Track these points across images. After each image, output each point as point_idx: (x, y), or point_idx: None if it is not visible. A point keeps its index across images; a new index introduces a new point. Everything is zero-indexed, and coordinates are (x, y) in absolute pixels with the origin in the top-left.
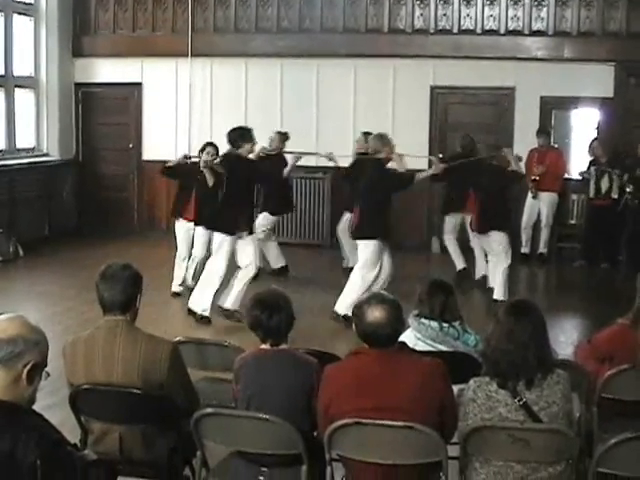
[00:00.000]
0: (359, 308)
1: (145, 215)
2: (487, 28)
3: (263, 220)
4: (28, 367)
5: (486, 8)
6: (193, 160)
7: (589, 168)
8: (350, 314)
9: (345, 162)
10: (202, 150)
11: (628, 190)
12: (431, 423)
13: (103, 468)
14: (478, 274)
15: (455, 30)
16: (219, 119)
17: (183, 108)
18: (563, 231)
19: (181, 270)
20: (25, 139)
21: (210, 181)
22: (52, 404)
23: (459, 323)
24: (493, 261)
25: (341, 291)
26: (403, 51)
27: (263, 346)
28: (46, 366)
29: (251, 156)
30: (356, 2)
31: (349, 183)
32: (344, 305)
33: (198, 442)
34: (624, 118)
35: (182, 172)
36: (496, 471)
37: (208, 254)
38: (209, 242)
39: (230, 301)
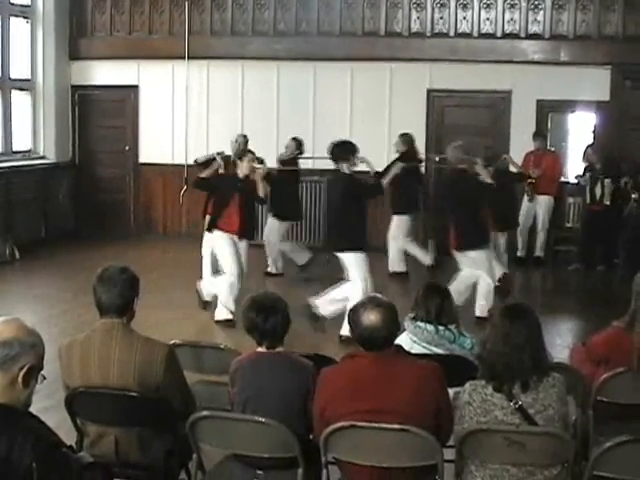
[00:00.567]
0: (355, 312)
1: (141, 218)
2: (484, 31)
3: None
4: (24, 370)
5: (482, 11)
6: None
7: (584, 174)
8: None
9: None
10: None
11: (634, 197)
12: (427, 426)
13: (99, 471)
14: None
15: (452, 33)
16: (215, 122)
17: (180, 111)
18: (559, 234)
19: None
20: (21, 141)
21: (262, 191)
22: (48, 407)
23: (455, 326)
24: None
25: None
26: (400, 54)
27: (259, 349)
28: (42, 369)
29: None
30: (353, 5)
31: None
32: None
33: (194, 445)
34: (620, 121)
35: (218, 183)
36: (492, 474)
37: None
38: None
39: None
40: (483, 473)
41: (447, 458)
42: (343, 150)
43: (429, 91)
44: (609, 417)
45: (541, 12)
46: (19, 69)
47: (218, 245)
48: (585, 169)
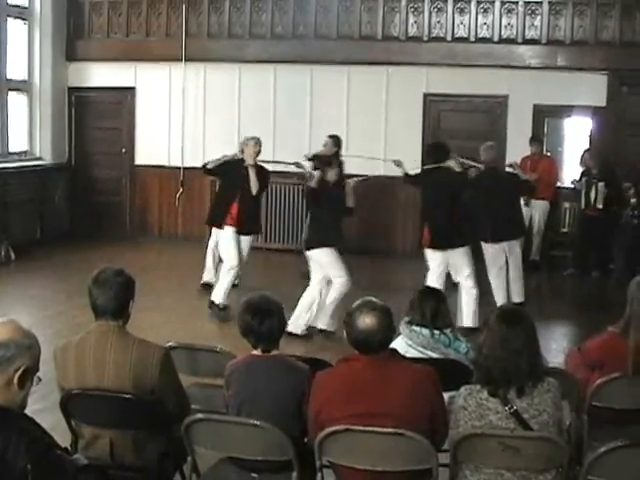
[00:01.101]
0: (350, 315)
1: (137, 220)
2: (480, 36)
3: None
4: (20, 372)
5: (480, 16)
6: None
7: (581, 179)
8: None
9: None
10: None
11: (633, 202)
12: (422, 430)
13: (94, 473)
14: None
15: (449, 38)
16: (212, 124)
17: (176, 113)
18: (555, 239)
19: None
20: (18, 143)
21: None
22: (43, 408)
23: (450, 330)
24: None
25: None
26: (397, 58)
27: (254, 352)
28: (38, 371)
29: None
30: (350, 9)
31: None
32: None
33: (189, 448)
34: (617, 127)
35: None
36: (486, 479)
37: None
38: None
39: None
40: (478, 477)
41: (442, 462)
42: (444, 149)
43: (426, 95)
44: (603, 422)
45: (538, 17)
46: (16, 70)
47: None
48: (582, 174)
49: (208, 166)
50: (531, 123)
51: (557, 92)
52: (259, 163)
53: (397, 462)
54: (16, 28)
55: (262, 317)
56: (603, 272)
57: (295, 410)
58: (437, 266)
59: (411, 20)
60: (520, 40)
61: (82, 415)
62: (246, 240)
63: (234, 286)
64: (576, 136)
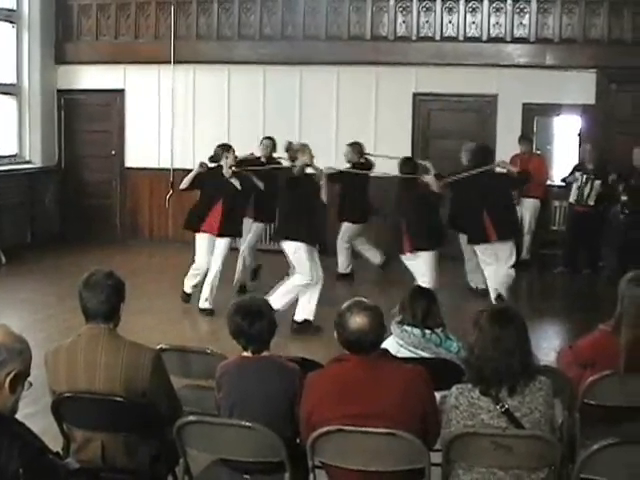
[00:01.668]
0: (341, 316)
1: (128, 222)
2: (469, 35)
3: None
4: (11, 376)
5: (468, 15)
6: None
7: (573, 172)
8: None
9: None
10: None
11: (623, 199)
12: (414, 430)
13: (85, 476)
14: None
15: (437, 37)
16: (202, 126)
17: (166, 115)
18: (545, 237)
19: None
20: (7, 146)
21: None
22: (34, 412)
23: (441, 330)
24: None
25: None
26: (385, 58)
27: (245, 353)
28: (29, 375)
29: None
30: (338, 9)
31: None
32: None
33: (181, 450)
34: (606, 124)
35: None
36: (479, 478)
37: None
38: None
39: None
40: (470, 477)
41: (434, 462)
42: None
43: (415, 95)
44: (596, 420)
45: (527, 16)
46: (4, 73)
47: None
48: (575, 168)
49: (181, 187)
50: (520, 122)
51: (546, 90)
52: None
53: (389, 462)
54: (4, 31)
55: (252, 319)
56: (593, 270)
57: (287, 411)
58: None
59: (400, 20)
60: (509, 39)
61: (73, 418)
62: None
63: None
64: (565, 134)
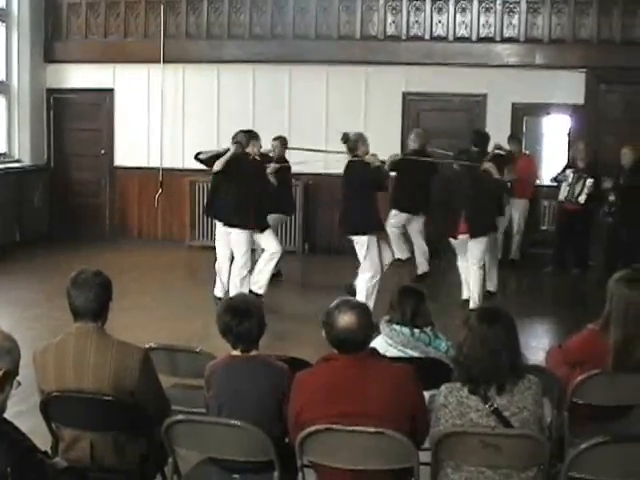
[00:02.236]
0: (329, 315)
1: (117, 221)
2: (459, 35)
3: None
4: None
5: (458, 15)
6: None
7: (564, 171)
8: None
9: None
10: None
11: (611, 199)
12: (402, 429)
13: (74, 476)
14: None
15: (427, 37)
16: (191, 125)
17: (155, 114)
18: (534, 237)
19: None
20: None
21: None
22: (23, 411)
23: (430, 329)
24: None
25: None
26: (375, 58)
27: (234, 352)
28: (17, 374)
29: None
30: (328, 9)
31: None
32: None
33: (169, 449)
34: (595, 124)
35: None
36: (468, 477)
37: None
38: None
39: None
40: (459, 476)
41: (423, 461)
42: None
43: (405, 94)
44: (584, 419)
45: (516, 16)
46: None
47: None
48: (566, 166)
49: (215, 169)
50: (510, 121)
51: (535, 90)
52: None
53: (378, 461)
54: None
55: (241, 318)
56: (582, 269)
57: (275, 410)
58: None
59: (389, 19)
60: (498, 39)
61: (62, 417)
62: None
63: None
64: (555, 134)
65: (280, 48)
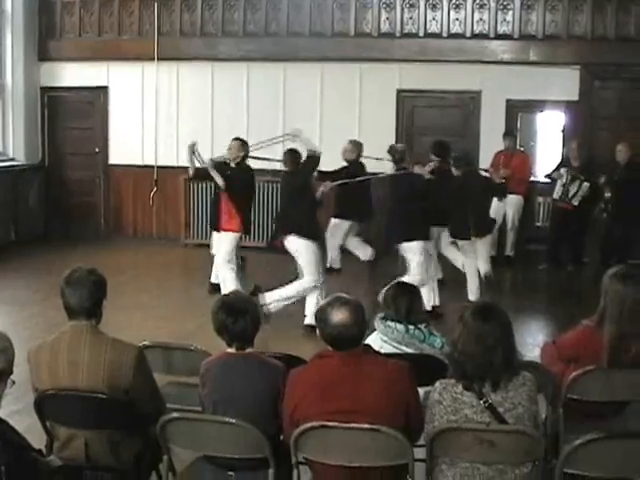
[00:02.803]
0: (322, 312)
1: (112, 219)
2: (453, 32)
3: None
4: None
5: (452, 12)
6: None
7: (558, 169)
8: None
9: None
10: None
11: (607, 196)
12: (397, 425)
13: (69, 474)
14: None
15: (421, 34)
16: (186, 122)
17: (149, 112)
18: (529, 234)
19: None
20: None
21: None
22: (17, 410)
23: (425, 325)
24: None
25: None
26: (369, 55)
27: (229, 350)
28: (12, 373)
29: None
30: (322, 6)
31: None
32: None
33: (164, 447)
34: (589, 121)
35: None
36: (463, 473)
37: None
38: None
39: None
40: (454, 472)
41: (418, 457)
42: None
43: (399, 91)
44: (579, 415)
45: (510, 12)
46: None
47: None
48: (559, 164)
49: None
50: (504, 118)
51: (530, 87)
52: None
53: (373, 458)
54: None
55: (236, 316)
56: (577, 266)
57: (270, 407)
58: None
59: (383, 16)
60: (492, 35)
61: (57, 416)
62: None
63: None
64: (549, 130)
65: (274, 46)
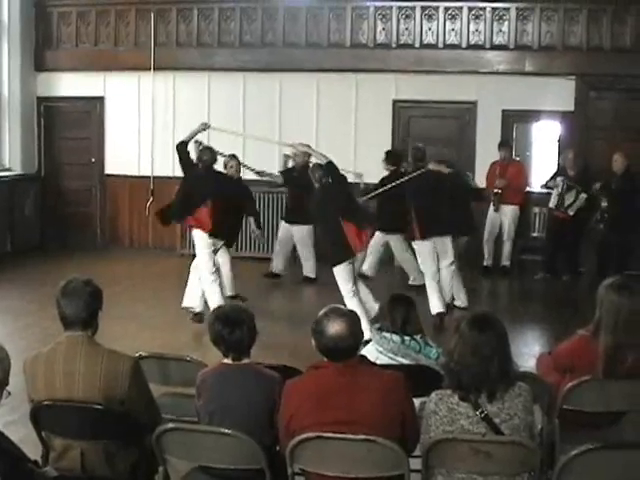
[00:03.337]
0: (318, 323)
1: (108, 230)
2: (449, 42)
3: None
4: None
5: (448, 22)
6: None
7: (554, 178)
8: None
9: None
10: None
11: (604, 205)
12: (393, 436)
13: None
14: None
15: (417, 44)
16: (182, 133)
17: (146, 122)
18: (525, 244)
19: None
20: None
21: None
22: (13, 421)
23: (420, 336)
24: None
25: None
26: (365, 65)
27: (225, 361)
28: (7, 384)
29: None
30: (318, 16)
31: None
32: None
33: (160, 457)
34: (585, 131)
35: None
36: None
37: None
38: None
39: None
40: None
41: (413, 468)
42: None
43: (395, 102)
44: (575, 425)
45: (506, 23)
46: None
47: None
48: (555, 174)
49: None
50: (500, 128)
51: (525, 97)
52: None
53: (368, 469)
54: None
55: (232, 326)
56: (573, 276)
57: (266, 418)
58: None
59: (379, 27)
60: (488, 46)
61: (52, 426)
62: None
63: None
64: (545, 141)
65: (270, 56)
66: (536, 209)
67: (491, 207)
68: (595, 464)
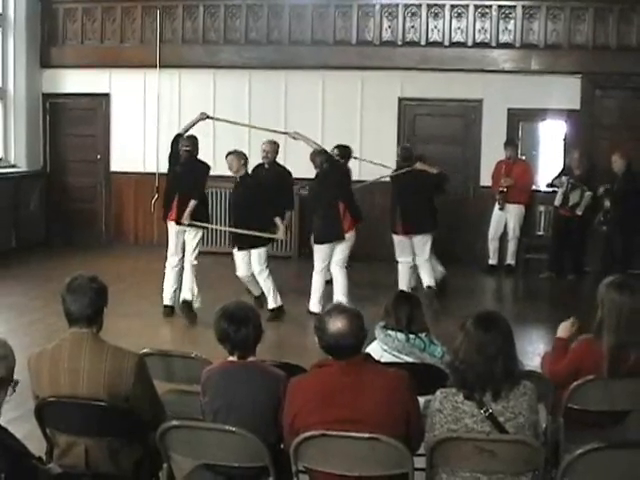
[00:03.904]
0: (321, 321)
1: (113, 226)
2: (454, 40)
3: None
4: None
5: (454, 20)
6: None
7: (560, 176)
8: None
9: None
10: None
11: (606, 205)
12: (397, 435)
13: None
14: None
15: (423, 42)
16: None
17: (151, 119)
18: (530, 242)
19: None
20: None
21: None
22: (17, 417)
23: (425, 334)
24: None
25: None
26: (371, 63)
27: (230, 358)
28: (12, 381)
29: None
30: (324, 14)
31: None
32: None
33: (164, 455)
34: (591, 130)
35: None
36: None
37: None
38: None
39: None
40: None
41: (418, 466)
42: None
43: (400, 100)
44: (580, 424)
45: (512, 21)
46: None
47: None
48: (562, 171)
49: None
50: (505, 127)
51: (531, 96)
52: None
53: (373, 467)
54: None
55: (238, 324)
56: (578, 275)
57: (271, 416)
58: None
59: (385, 25)
60: (494, 44)
61: (57, 423)
62: None
63: None
64: (550, 139)
65: (276, 53)
66: (542, 208)
67: (496, 206)
68: (599, 463)
